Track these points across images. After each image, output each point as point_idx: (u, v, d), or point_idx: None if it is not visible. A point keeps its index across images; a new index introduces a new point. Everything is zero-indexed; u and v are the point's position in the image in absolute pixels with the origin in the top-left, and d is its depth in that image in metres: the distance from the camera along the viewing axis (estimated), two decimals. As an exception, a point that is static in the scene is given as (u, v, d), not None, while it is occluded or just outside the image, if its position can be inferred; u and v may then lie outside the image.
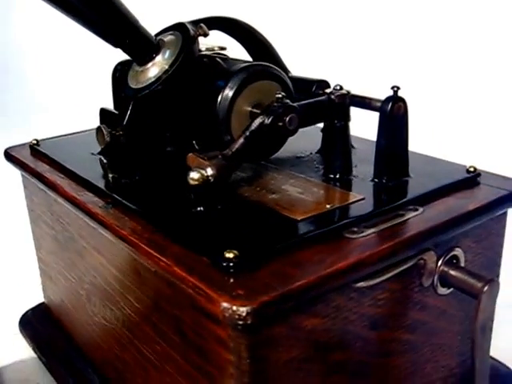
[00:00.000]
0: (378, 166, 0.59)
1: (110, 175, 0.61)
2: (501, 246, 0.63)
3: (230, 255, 0.45)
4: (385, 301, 0.52)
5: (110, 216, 0.55)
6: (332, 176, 0.60)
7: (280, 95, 0.54)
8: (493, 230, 0.60)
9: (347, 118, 0.59)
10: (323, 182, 0.60)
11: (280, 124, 0.54)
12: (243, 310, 0.41)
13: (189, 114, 0.58)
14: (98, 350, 0.69)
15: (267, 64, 0.58)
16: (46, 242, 0.74)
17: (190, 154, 0.53)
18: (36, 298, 0.86)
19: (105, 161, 0.61)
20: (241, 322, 0.41)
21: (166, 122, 0.59)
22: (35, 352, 0.77)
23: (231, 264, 0.45)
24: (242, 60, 0.60)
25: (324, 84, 0.62)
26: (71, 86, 1.76)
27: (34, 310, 0.83)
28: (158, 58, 0.58)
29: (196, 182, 0.50)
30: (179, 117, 0.59)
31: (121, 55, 0.62)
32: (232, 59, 0.61)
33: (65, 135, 0.78)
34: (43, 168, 0.68)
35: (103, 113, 0.66)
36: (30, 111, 1.74)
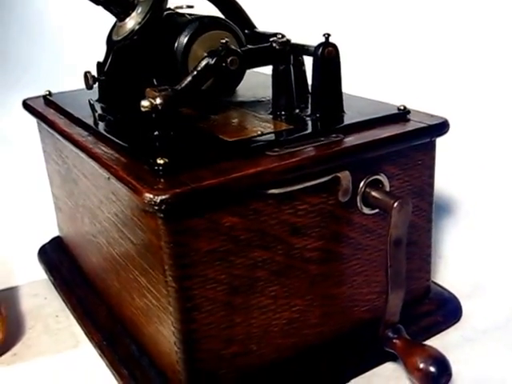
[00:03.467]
0: (313, 103, 0.68)
1: (96, 113, 0.73)
2: (431, 176, 0.71)
3: (161, 161, 0.56)
4: (305, 212, 0.62)
5: (87, 142, 0.67)
6: (278, 113, 0.70)
7: (224, 41, 0.65)
8: (419, 161, 0.68)
9: (288, 62, 0.68)
10: (270, 118, 0.70)
11: (223, 64, 0.64)
12: (158, 198, 0.52)
13: (154, 59, 0.69)
14: (89, 265, 0.81)
15: (218, 16, 0.68)
16: (55, 177, 0.87)
17: (148, 89, 0.64)
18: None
19: (92, 101, 0.73)
20: (156, 208, 0.52)
21: (139, 67, 0.70)
22: (47, 274, 0.91)
23: (160, 168, 0.56)
24: (203, 14, 0.71)
25: (279, 36, 0.71)
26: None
27: (50, 242, 0.97)
28: (133, 14, 0.69)
29: (146, 109, 0.61)
30: (150, 62, 0.70)
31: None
32: (195, 15, 0.72)
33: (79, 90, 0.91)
34: (48, 111, 0.81)
35: (98, 65, 0.79)
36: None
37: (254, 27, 0.77)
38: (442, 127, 0.68)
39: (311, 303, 0.66)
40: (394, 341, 0.64)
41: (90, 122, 0.73)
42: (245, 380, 0.64)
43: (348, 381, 0.67)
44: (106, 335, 0.74)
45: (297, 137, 0.63)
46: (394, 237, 0.63)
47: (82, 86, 0.75)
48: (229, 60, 0.64)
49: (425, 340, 0.70)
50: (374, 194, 0.64)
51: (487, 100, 0.98)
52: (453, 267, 0.87)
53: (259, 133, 0.63)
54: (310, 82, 0.71)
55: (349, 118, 0.68)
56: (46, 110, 0.83)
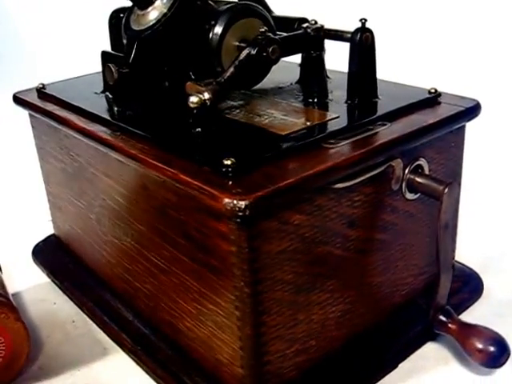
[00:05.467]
0: (350, 89, 0.67)
1: (116, 108, 0.69)
2: (461, 157, 0.71)
3: (228, 162, 0.53)
4: (360, 203, 0.61)
5: (118, 140, 0.63)
6: (310, 100, 0.69)
7: (263, 29, 0.62)
8: (452, 143, 0.69)
9: (322, 48, 0.67)
10: (303, 105, 0.68)
11: (264, 54, 0.62)
12: (242, 204, 0.50)
13: (185, 51, 0.65)
14: (107, 267, 0.77)
15: (250, 3, 0.65)
16: (54, 175, 0.82)
17: (189, 83, 0.60)
18: (44, 232, 0.95)
19: (111, 96, 0.68)
20: (240, 214, 0.50)
21: (165, 58, 0.66)
22: (49, 277, 0.86)
23: (229, 169, 0.53)
24: (229, 1, 0.68)
25: (304, 21, 0.69)
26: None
27: (45, 241, 0.91)
28: (158, 3, 0.65)
29: (195, 105, 0.58)
30: (177, 53, 0.66)
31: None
32: (221, 1, 0.69)
33: (67, 80, 0.85)
34: (52, 107, 0.75)
35: (105, 55, 0.74)
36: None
37: (271, 11, 0.74)
38: (475, 109, 0.68)
39: (361, 293, 0.66)
40: (449, 325, 0.65)
41: (108, 117, 0.68)
42: (305, 376, 0.63)
43: (396, 365, 0.67)
44: (138, 340, 0.71)
45: (347, 127, 0.61)
46: (444, 221, 0.63)
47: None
48: (270, 49, 0.62)
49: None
50: (419, 179, 0.64)
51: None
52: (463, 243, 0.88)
53: (308, 124, 0.62)
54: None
55: (385, 104, 0.67)
56: (45, 103, 0.77)
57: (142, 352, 0.70)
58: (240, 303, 0.55)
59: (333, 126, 0.62)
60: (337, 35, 0.67)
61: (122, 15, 0.77)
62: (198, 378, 0.65)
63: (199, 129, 0.61)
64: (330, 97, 0.69)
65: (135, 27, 0.67)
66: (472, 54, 1.01)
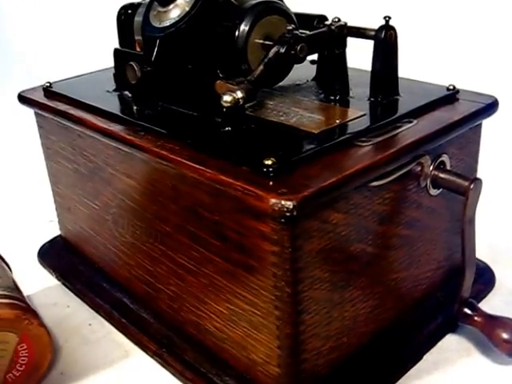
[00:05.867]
0: (373, 86, 0.67)
1: (136, 107, 0.68)
2: (477, 153, 0.73)
3: (268, 162, 0.53)
4: (389, 200, 0.61)
5: (145, 141, 0.62)
6: (332, 97, 0.69)
7: (291, 27, 0.62)
8: (471, 139, 0.70)
9: (345, 46, 0.67)
10: (326, 103, 0.68)
11: (292, 52, 0.61)
12: (290, 204, 0.50)
13: (211, 49, 0.65)
14: (123, 269, 0.76)
15: (273, 0, 0.65)
16: (64, 176, 0.80)
17: (218, 81, 0.60)
18: (47, 233, 0.93)
19: (130, 94, 0.67)
20: (288, 214, 0.50)
21: (189, 56, 0.65)
22: (59, 280, 0.84)
23: (270, 169, 0.53)
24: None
25: (323, 18, 0.69)
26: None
27: (50, 242, 0.90)
28: (180, 0, 0.64)
29: (229, 104, 0.57)
30: (202, 51, 0.65)
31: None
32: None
33: (71, 78, 0.84)
34: (65, 106, 0.74)
35: (120, 53, 0.73)
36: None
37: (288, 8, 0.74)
38: (493, 105, 0.69)
39: (388, 288, 0.66)
40: (475, 318, 0.66)
41: (128, 116, 0.67)
42: (336, 372, 0.63)
43: (421, 357, 0.68)
44: (162, 342, 0.70)
45: (376, 124, 0.62)
46: (469, 216, 0.64)
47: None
48: (298, 47, 0.61)
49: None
50: (442, 175, 0.65)
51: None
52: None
53: (337, 122, 0.62)
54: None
55: (407, 101, 0.68)
56: (58, 104, 0.75)
57: (167, 354, 0.69)
58: (280, 303, 0.55)
59: (362, 124, 0.62)
60: (359, 33, 0.67)
61: (130, 11, 0.76)
62: (227, 378, 0.65)
63: (229, 128, 0.60)
64: (351, 94, 0.69)
65: (156, 24, 0.66)
66: (476, 48, 1.02)
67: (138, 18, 0.73)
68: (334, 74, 0.68)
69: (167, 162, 0.59)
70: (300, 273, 0.54)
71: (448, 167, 0.67)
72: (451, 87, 0.70)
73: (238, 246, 0.57)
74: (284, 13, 0.65)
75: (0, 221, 1.03)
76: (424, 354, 0.69)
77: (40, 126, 0.81)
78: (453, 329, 0.72)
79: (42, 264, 0.88)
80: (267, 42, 0.64)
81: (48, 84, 0.79)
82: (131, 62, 0.64)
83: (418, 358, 0.68)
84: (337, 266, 0.58)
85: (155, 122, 0.65)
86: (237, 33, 0.63)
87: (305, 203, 0.50)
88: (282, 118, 0.63)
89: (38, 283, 0.84)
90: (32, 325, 0.65)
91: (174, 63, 0.66)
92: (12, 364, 0.65)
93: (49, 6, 1.75)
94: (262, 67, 0.60)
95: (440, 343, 0.71)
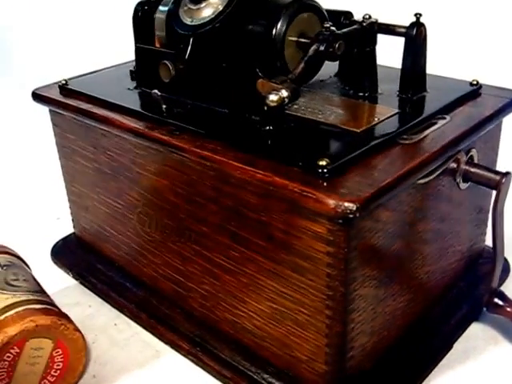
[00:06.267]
0: (404, 83, 0.68)
1: (164, 106, 0.67)
2: (498, 146, 0.74)
3: (323, 163, 0.53)
4: (428, 196, 0.62)
5: (183, 141, 0.62)
6: (361, 94, 0.69)
7: (328, 25, 0.62)
8: (494, 133, 0.71)
9: (375, 43, 0.67)
10: (356, 99, 0.68)
11: (331, 50, 0.61)
12: (353, 206, 0.50)
13: (247, 47, 0.64)
14: (149, 268, 0.75)
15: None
16: (82, 175, 0.78)
17: (260, 80, 0.59)
18: (54, 231, 0.92)
19: (159, 93, 0.66)
20: (351, 216, 0.50)
21: (223, 54, 0.65)
22: (76, 279, 0.83)
23: (325, 170, 0.53)
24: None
25: (349, 15, 0.69)
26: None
27: (64, 240, 0.88)
28: None
29: (275, 104, 0.57)
30: (237, 49, 0.64)
31: None
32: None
33: (84, 75, 0.82)
34: (86, 105, 0.72)
35: (145, 50, 0.72)
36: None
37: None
38: (517, 99, 0.71)
39: (421, 282, 0.67)
40: (507, 308, 0.68)
41: (157, 115, 0.66)
42: (378, 366, 0.64)
43: (452, 346, 0.70)
44: (194, 341, 0.70)
45: (415, 122, 0.62)
46: (500, 209, 0.66)
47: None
48: (337, 45, 0.61)
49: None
50: (473, 170, 0.66)
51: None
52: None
53: (376, 120, 0.62)
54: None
55: (435, 97, 0.68)
56: (79, 102, 0.74)
57: (202, 353, 0.69)
58: (332, 302, 0.56)
59: (400, 122, 0.63)
60: (389, 29, 0.67)
61: (146, 7, 0.75)
62: (268, 376, 0.65)
63: (270, 127, 0.60)
64: (379, 90, 0.69)
65: (187, 21, 0.65)
66: (486, 42, 1.04)
67: (161, 15, 0.71)
68: (363, 71, 0.68)
69: (211, 162, 0.59)
70: (353, 272, 0.55)
71: (476, 161, 0.68)
72: (474, 82, 0.71)
73: (285, 246, 0.57)
74: (317, 10, 0.65)
75: (7, 219, 1.01)
76: (453, 343, 0.70)
77: (55, 125, 0.79)
78: (476, 317, 0.73)
79: (55, 263, 0.86)
80: (301, 40, 0.64)
81: (64, 82, 0.77)
82: (165, 61, 0.63)
83: (448, 348, 0.69)
84: (382, 263, 0.59)
85: (189, 121, 0.64)
86: (274, 31, 0.62)
87: (366, 204, 0.51)
88: (319, 116, 0.63)
89: (54, 283, 0.82)
90: (68, 330, 0.64)
91: (208, 61, 0.65)
92: (47, 370, 0.65)
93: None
94: (302, 65, 0.60)
95: (467, 332, 0.72)
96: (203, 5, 0.64)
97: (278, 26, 0.62)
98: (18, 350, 0.62)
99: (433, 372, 0.67)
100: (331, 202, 0.50)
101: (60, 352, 0.64)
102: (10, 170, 1.19)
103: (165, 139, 0.63)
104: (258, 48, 0.63)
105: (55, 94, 0.77)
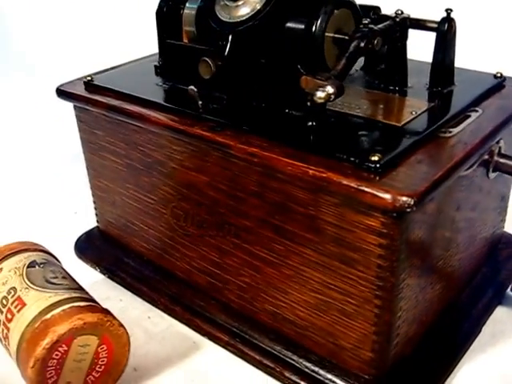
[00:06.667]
0: (434, 76, 0.70)
1: (200, 102, 0.68)
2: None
3: (375, 158, 0.55)
4: (465, 187, 0.65)
5: (228, 138, 0.62)
6: (392, 88, 0.71)
7: (366, 21, 0.63)
8: (515, 123, 0.74)
9: (406, 38, 0.69)
10: (387, 93, 0.70)
11: (370, 46, 0.63)
12: (411, 200, 0.51)
13: (282, 44, 0.65)
14: (182, 261, 0.76)
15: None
16: (110, 170, 0.79)
17: (304, 77, 0.60)
18: (74, 225, 0.93)
19: (195, 89, 0.67)
20: (409, 210, 0.52)
21: (262, 51, 0.66)
22: (103, 273, 0.83)
23: (377, 165, 0.55)
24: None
25: (378, 9, 0.71)
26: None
27: (87, 234, 0.89)
28: None
29: (322, 100, 0.58)
30: (276, 46, 0.65)
31: None
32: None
33: (104, 70, 0.82)
34: (117, 101, 0.72)
35: (170, 46, 0.72)
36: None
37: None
38: (541, 89, 0.73)
39: (454, 269, 0.70)
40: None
41: (193, 111, 0.67)
42: (417, 350, 0.67)
43: (481, 330, 0.73)
44: (234, 332, 0.72)
45: (451, 115, 0.64)
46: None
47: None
48: (375, 41, 0.63)
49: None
50: (503, 160, 0.68)
51: None
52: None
53: (414, 114, 0.64)
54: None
55: (464, 90, 0.70)
56: (109, 99, 0.74)
57: (242, 344, 0.70)
58: (382, 292, 0.58)
59: (436, 115, 0.64)
60: (420, 24, 0.69)
61: (171, 3, 0.75)
62: (310, 364, 0.67)
63: (313, 123, 0.61)
64: (409, 85, 0.71)
65: (225, 18, 0.65)
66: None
67: (190, 11, 0.72)
68: (395, 65, 0.69)
69: (259, 158, 0.60)
70: (403, 263, 0.57)
71: (503, 152, 0.70)
72: (498, 75, 0.73)
73: (334, 238, 0.59)
74: (352, 6, 0.66)
75: (23, 215, 1.00)
76: (482, 326, 0.73)
77: (81, 121, 0.79)
78: (500, 300, 0.76)
79: (80, 257, 0.87)
80: (338, 36, 0.65)
81: (89, 78, 0.77)
82: (205, 58, 0.64)
83: (478, 331, 0.72)
84: (425, 253, 0.61)
85: (228, 117, 0.65)
86: (313, 28, 0.63)
87: (422, 198, 0.52)
88: (357, 111, 0.65)
89: (80, 278, 0.82)
90: (113, 326, 0.65)
91: (246, 58, 0.66)
92: (92, 366, 0.65)
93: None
94: (344, 61, 0.62)
95: (492, 316, 0.75)
96: (241, 2, 0.65)
97: (318, 22, 0.63)
98: (66, 348, 0.62)
99: (465, 355, 0.70)
100: (389, 197, 0.52)
101: (105, 348, 0.65)
102: (22, 166, 1.19)
103: (208, 136, 0.64)
104: (299, 44, 0.64)
105: (81, 91, 0.77)
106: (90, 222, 0.91)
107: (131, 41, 1.40)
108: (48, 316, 0.64)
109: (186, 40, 0.75)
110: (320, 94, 0.58)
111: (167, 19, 0.75)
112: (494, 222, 0.78)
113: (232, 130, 0.63)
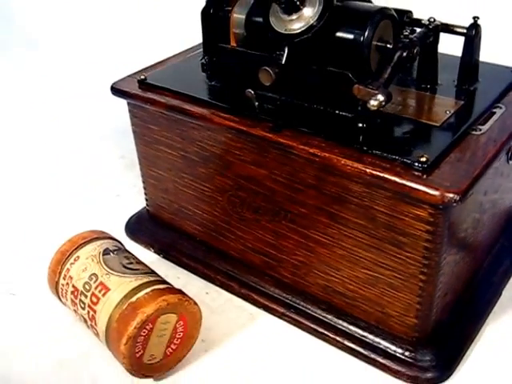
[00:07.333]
0: (463, 76, 0.79)
1: (256, 103, 0.76)
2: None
3: (424, 159, 0.64)
4: (492, 174, 0.74)
5: (289, 139, 0.71)
6: (423, 86, 0.80)
7: (407, 32, 0.72)
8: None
9: (438, 41, 0.77)
10: (420, 91, 0.79)
11: (410, 55, 0.72)
12: (457, 197, 0.61)
13: (332, 52, 0.73)
14: (237, 243, 0.85)
15: (386, 7, 0.74)
16: (164, 161, 0.86)
17: (356, 86, 0.69)
18: (118, 207, 1.02)
19: (252, 91, 0.75)
20: (455, 205, 0.61)
21: (314, 58, 0.74)
22: (158, 254, 0.92)
23: (426, 166, 0.64)
24: (361, 3, 0.75)
25: (410, 13, 0.79)
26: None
27: (137, 217, 0.98)
28: (305, 12, 0.72)
29: (375, 108, 0.67)
30: (324, 55, 0.74)
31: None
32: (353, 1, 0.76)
33: (150, 67, 0.90)
34: (176, 101, 0.80)
35: (223, 50, 0.80)
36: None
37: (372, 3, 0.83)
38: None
39: (479, 243, 0.80)
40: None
41: (250, 112, 0.75)
42: (451, 316, 0.77)
43: (501, 293, 0.84)
44: (288, 304, 0.82)
45: (480, 112, 0.74)
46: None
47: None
48: (415, 51, 0.71)
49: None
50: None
51: None
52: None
53: (448, 113, 0.73)
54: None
55: (488, 87, 0.79)
56: (169, 99, 0.81)
57: (296, 314, 0.81)
58: (427, 269, 0.68)
59: (468, 113, 0.74)
60: (449, 29, 0.77)
61: (218, 5, 0.83)
62: (359, 330, 0.77)
63: (364, 124, 0.70)
64: (439, 83, 0.80)
65: (280, 30, 0.73)
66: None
67: (240, 15, 0.80)
68: (427, 66, 0.78)
69: (320, 158, 0.69)
70: (445, 244, 0.67)
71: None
72: (515, 69, 0.83)
73: (386, 225, 0.68)
74: (393, 18, 0.74)
75: (69, 199, 1.09)
76: (502, 290, 0.84)
77: (135, 116, 0.87)
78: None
79: (132, 239, 0.95)
80: (379, 44, 0.73)
81: (143, 76, 0.85)
82: (266, 68, 0.72)
83: (499, 295, 0.83)
84: (461, 234, 0.71)
85: (286, 119, 0.73)
86: (361, 38, 0.71)
87: (465, 194, 0.62)
88: (398, 110, 0.74)
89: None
90: (190, 305, 0.74)
91: (300, 65, 0.74)
92: (171, 339, 0.75)
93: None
94: (390, 70, 0.70)
95: (510, 281, 0.86)
96: (295, 17, 0.73)
97: (366, 33, 0.71)
98: (151, 326, 0.72)
99: (489, 316, 0.81)
100: (438, 194, 0.61)
101: (182, 324, 0.75)
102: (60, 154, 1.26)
103: (270, 137, 0.72)
104: (348, 53, 0.72)
105: (135, 89, 0.84)
106: (134, 204, 1.00)
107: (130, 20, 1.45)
108: (133, 299, 0.73)
109: (233, 42, 0.82)
110: (373, 103, 0.67)
111: (213, 20, 0.83)
112: (511, 199, 0.88)
113: (291, 131, 0.72)
